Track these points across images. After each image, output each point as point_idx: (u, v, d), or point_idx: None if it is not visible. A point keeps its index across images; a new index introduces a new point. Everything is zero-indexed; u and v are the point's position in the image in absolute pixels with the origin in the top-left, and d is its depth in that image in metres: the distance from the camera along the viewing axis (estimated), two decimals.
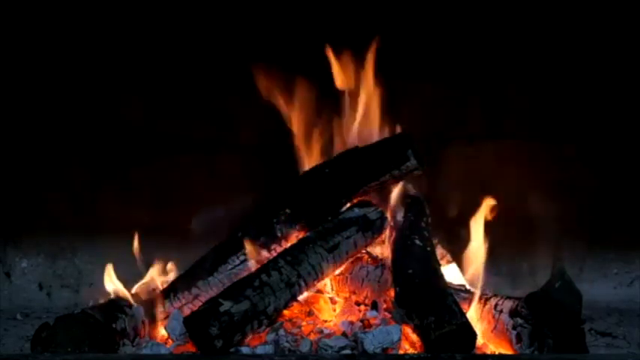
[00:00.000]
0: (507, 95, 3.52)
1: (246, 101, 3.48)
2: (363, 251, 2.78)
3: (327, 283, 2.79)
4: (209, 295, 2.65)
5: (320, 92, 3.06)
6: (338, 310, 2.74)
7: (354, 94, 3.00)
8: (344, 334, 2.51)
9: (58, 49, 3.46)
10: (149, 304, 2.69)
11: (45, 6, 3.41)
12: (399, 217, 2.86)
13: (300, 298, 2.63)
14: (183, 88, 3.51)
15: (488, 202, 2.81)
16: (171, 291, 2.76)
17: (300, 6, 3.40)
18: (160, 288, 2.80)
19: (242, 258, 2.76)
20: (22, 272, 3.55)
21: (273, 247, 2.77)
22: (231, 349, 2.40)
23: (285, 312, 2.59)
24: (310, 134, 3.03)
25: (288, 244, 2.73)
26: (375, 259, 2.81)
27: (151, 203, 3.48)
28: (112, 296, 2.68)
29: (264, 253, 2.76)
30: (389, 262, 2.73)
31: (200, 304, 2.60)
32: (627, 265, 3.56)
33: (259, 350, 2.42)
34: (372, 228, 2.73)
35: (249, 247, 2.71)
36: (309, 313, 2.68)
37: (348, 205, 2.81)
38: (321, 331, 2.56)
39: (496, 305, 2.56)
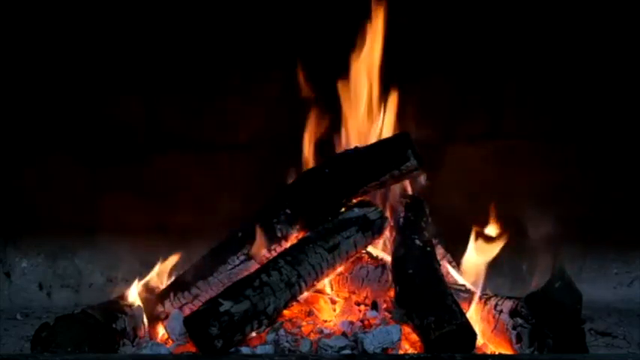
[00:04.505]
0: (508, 95, 3.52)
1: (246, 101, 3.49)
2: (363, 251, 2.78)
3: (327, 283, 2.79)
4: (209, 295, 2.65)
5: (319, 93, 3.06)
6: (338, 310, 2.74)
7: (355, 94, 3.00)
8: (344, 334, 2.51)
9: (58, 49, 3.46)
10: (149, 304, 2.70)
11: (47, 5, 3.41)
12: (399, 217, 2.86)
13: (300, 298, 2.63)
14: (183, 87, 3.51)
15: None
16: (171, 291, 2.76)
17: (300, 7, 3.40)
18: (160, 288, 2.80)
19: (242, 258, 2.76)
20: (22, 272, 3.55)
21: (273, 247, 2.77)
22: (231, 349, 2.40)
23: (285, 312, 2.59)
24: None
25: (288, 244, 2.73)
26: (375, 259, 2.81)
27: (151, 203, 3.48)
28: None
29: (265, 253, 2.76)
30: (389, 262, 2.73)
31: (200, 304, 2.60)
32: (627, 265, 3.56)
33: (259, 350, 2.43)
34: (372, 228, 2.73)
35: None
36: (309, 313, 2.68)
37: (348, 205, 2.80)
38: (321, 331, 2.56)
39: (496, 305, 2.56)
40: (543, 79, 3.49)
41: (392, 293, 2.62)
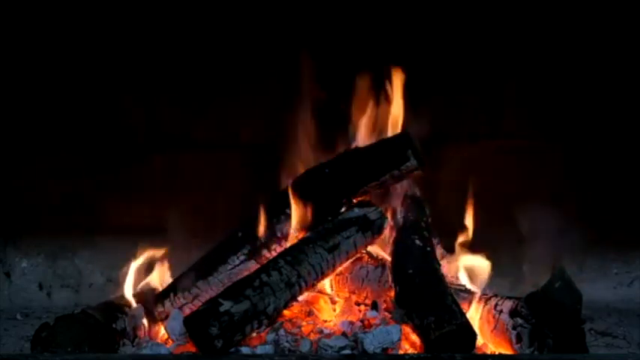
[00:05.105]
0: (508, 95, 3.52)
1: (246, 102, 3.48)
2: (363, 251, 2.78)
3: (327, 283, 2.79)
4: (209, 295, 2.65)
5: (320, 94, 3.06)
6: (338, 310, 2.74)
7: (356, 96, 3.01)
8: (344, 334, 2.51)
9: (58, 50, 3.46)
10: (149, 304, 2.70)
11: (47, 6, 3.41)
12: (399, 217, 2.86)
13: (300, 298, 2.63)
14: (183, 87, 3.51)
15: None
16: (171, 291, 2.76)
17: (296, 7, 3.40)
18: (160, 288, 2.80)
19: (242, 258, 2.76)
20: (22, 272, 3.55)
21: (273, 247, 2.77)
22: (231, 349, 2.40)
23: (285, 312, 2.59)
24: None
25: (288, 244, 2.73)
26: (375, 259, 2.81)
27: (151, 203, 3.48)
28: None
29: (265, 253, 2.76)
30: (389, 262, 2.73)
31: (200, 304, 2.60)
32: (627, 265, 3.56)
33: (259, 350, 2.43)
34: (372, 228, 2.73)
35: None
36: (309, 313, 2.68)
37: (348, 205, 2.80)
38: (321, 331, 2.56)
39: (496, 305, 2.56)
40: (543, 79, 3.49)
41: (392, 293, 2.61)
